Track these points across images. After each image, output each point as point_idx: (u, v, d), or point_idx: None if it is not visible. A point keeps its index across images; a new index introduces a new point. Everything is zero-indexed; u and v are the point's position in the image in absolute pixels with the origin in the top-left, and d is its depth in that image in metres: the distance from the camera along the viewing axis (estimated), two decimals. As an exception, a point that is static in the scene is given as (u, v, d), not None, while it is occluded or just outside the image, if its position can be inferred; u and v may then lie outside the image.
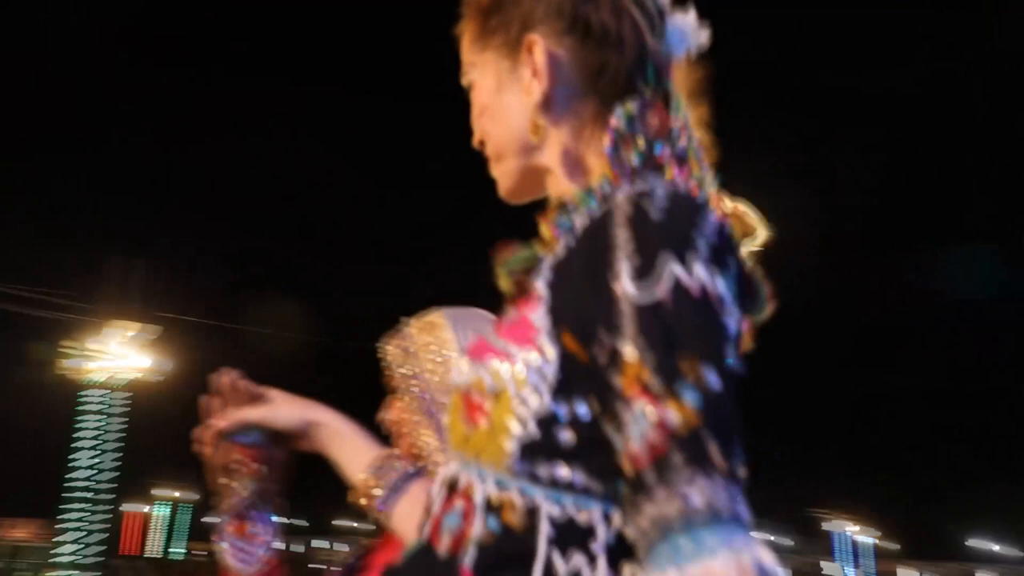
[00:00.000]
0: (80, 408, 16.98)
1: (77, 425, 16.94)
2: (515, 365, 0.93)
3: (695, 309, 0.84)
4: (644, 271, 0.85)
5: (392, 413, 1.62)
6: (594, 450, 0.88)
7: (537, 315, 0.94)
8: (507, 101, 1.09)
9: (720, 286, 0.86)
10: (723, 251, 0.88)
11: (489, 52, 1.10)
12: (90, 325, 17.24)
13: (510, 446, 0.92)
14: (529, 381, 0.92)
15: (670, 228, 0.87)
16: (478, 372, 0.96)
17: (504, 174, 1.12)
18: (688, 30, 1.08)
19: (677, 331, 0.83)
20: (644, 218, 0.87)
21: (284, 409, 1.32)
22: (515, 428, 0.92)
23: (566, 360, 0.91)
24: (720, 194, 1.02)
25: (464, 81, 1.15)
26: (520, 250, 1.07)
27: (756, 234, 1.00)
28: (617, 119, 1.02)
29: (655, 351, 0.82)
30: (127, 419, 16.90)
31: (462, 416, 0.97)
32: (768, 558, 0.78)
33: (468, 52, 1.13)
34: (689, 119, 1.05)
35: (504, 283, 1.07)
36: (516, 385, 0.93)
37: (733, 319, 0.87)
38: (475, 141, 1.15)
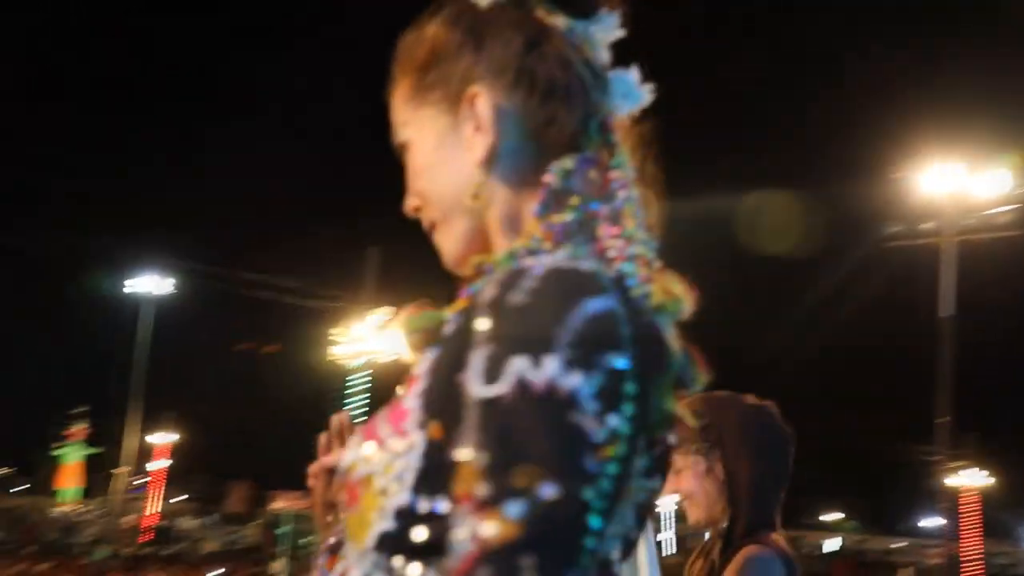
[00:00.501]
0: (340, 389, 18.53)
1: (336, 405, 18.35)
2: (385, 452, 0.90)
3: (537, 411, 0.77)
4: (490, 365, 0.79)
5: None
6: (451, 550, 0.81)
7: (411, 398, 0.90)
8: (448, 159, 1.02)
9: (575, 383, 0.78)
10: (599, 342, 0.80)
11: (426, 108, 1.04)
12: (348, 312, 18.32)
13: (369, 538, 0.89)
14: (394, 470, 0.89)
15: (528, 317, 0.80)
16: (356, 455, 0.93)
17: (449, 239, 1.04)
18: (633, 86, 1.04)
19: (515, 434, 0.77)
20: (504, 303, 0.81)
21: None
22: (374, 519, 0.89)
23: (431, 451, 0.87)
24: (647, 258, 0.95)
25: (396, 141, 1.09)
26: (427, 311, 0.97)
27: (680, 306, 0.92)
28: (552, 176, 0.97)
29: (487, 454, 0.78)
30: (370, 398, 17.96)
31: (344, 495, 0.95)
32: None
33: (402, 110, 1.07)
34: (631, 176, 1.00)
35: (407, 348, 0.99)
36: (382, 473, 0.89)
37: (593, 418, 0.78)
38: (408, 206, 1.08)
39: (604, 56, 1.04)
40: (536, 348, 0.78)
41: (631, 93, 1.04)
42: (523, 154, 0.99)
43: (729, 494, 2.22)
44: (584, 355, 0.78)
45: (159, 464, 30.34)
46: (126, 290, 28.60)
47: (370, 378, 18.29)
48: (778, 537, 2.21)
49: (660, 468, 0.87)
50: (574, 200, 0.96)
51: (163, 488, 30.20)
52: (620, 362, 0.80)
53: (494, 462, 0.76)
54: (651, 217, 1.01)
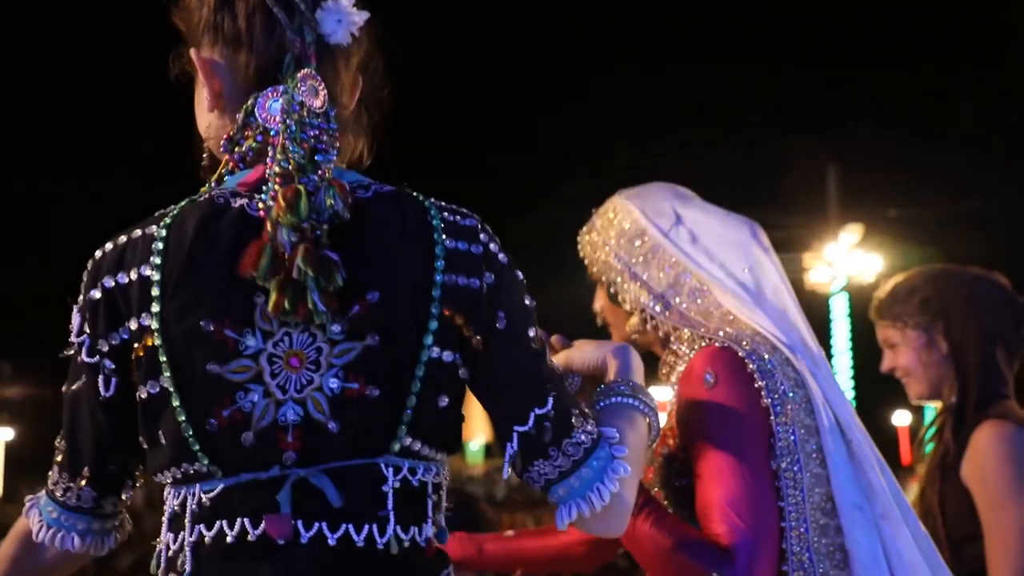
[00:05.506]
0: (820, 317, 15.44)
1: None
2: None
3: None
4: None
5: (597, 303, 1.80)
6: None
7: None
8: (199, 112, 1.26)
9: (75, 321, 1.18)
10: (109, 268, 1.15)
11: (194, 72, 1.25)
12: (816, 234, 15.59)
13: None
14: None
15: None
16: None
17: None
18: (343, 15, 1.17)
19: None
20: None
21: (582, 350, 1.44)
22: None
23: None
24: (286, 173, 1.10)
25: None
26: None
27: (290, 216, 1.08)
28: (239, 113, 1.17)
29: None
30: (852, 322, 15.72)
31: None
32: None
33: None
34: (296, 100, 1.12)
35: None
36: None
37: (84, 344, 1.16)
38: None
39: None
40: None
41: (343, 19, 1.17)
42: (236, 95, 1.18)
43: (956, 367, 2.13)
44: (92, 284, 1.19)
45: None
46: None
47: (850, 302, 16.58)
48: (1015, 407, 2.08)
49: None
50: (250, 132, 1.16)
51: None
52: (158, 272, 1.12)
53: None
54: (346, 132, 1.20)
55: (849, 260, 15.56)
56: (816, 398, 1.61)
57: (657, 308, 1.70)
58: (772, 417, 1.57)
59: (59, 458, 1.22)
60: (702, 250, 1.71)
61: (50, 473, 1.23)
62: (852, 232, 15.56)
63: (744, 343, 1.61)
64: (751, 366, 1.59)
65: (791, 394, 1.59)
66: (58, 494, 1.22)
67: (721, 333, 1.65)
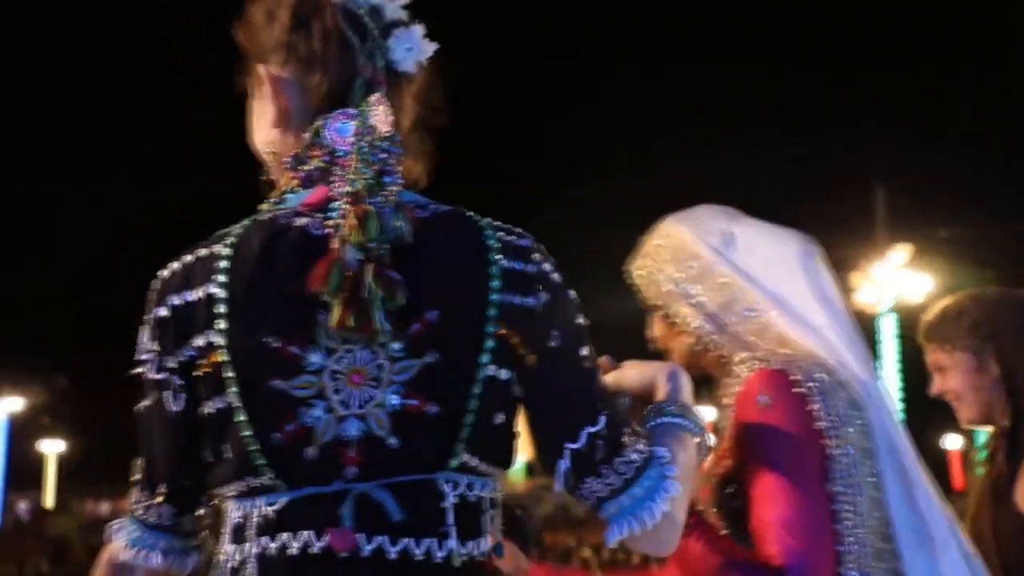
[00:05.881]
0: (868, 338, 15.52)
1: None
2: None
3: None
4: None
5: (653, 330, 1.79)
6: None
7: None
8: (255, 122, 1.28)
9: (144, 339, 1.20)
10: (168, 291, 1.18)
11: (250, 86, 1.29)
12: (863, 254, 15.47)
13: None
14: None
15: None
16: None
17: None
18: (414, 44, 1.22)
19: None
20: None
21: (631, 372, 1.45)
22: None
23: None
24: (357, 194, 1.13)
25: None
26: None
27: (361, 236, 1.10)
28: (306, 133, 1.20)
29: None
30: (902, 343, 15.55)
31: None
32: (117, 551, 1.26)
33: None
34: (367, 123, 1.17)
35: None
36: None
37: (153, 361, 1.18)
38: None
39: (395, 14, 1.23)
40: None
41: (414, 48, 1.22)
42: (302, 113, 1.21)
43: (1008, 390, 2.12)
44: (157, 303, 1.21)
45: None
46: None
47: (899, 322, 15.50)
48: None
49: None
50: (317, 151, 1.19)
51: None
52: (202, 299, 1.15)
53: None
54: (408, 153, 1.22)
55: (897, 280, 15.47)
56: (872, 420, 1.61)
57: (710, 328, 1.70)
58: (827, 439, 1.57)
59: (137, 476, 1.25)
60: (755, 269, 1.71)
61: (130, 494, 1.26)
62: (901, 251, 15.20)
63: (799, 365, 1.61)
64: (805, 388, 1.58)
65: (847, 416, 1.59)
66: (139, 513, 1.24)
67: (775, 355, 1.64)
